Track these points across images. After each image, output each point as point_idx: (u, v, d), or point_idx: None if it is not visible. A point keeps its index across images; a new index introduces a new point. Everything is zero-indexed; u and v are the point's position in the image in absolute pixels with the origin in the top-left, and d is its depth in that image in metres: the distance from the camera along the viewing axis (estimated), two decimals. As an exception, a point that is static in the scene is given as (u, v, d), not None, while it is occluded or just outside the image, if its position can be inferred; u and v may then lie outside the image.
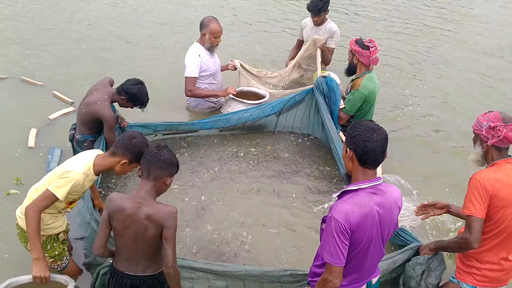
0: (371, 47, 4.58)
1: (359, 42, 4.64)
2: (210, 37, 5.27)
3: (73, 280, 2.96)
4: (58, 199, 2.86)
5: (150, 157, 2.71)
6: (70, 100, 5.67)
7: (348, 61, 4.86)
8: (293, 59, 6.16)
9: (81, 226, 3.72)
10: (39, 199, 2.85)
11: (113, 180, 4.46)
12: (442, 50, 8.36)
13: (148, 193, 2.69)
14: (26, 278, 2.93)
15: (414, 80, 7.18)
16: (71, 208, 3.17)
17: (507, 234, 2.97)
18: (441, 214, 3.50)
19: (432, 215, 3.51)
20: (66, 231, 3.24)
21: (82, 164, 2.97)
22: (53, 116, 5.31)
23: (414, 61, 7.84)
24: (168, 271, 2.68)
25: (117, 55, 7.15)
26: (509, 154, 3.04)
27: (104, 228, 2.74)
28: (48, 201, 2.86)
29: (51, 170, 4.21)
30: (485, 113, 3.07)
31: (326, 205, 4.30)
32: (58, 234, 3.15)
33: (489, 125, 2.93)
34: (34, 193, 2.98)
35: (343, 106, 4.82)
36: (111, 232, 2.76)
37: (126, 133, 3.10)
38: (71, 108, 5.52)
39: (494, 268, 3.04)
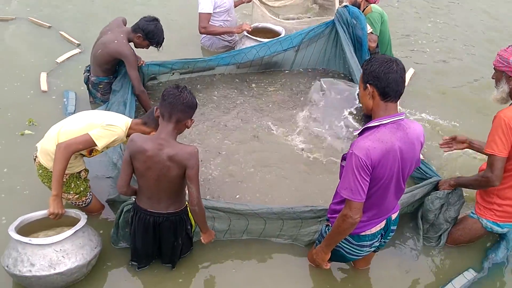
0: None
1: None
2: None
3: (84, 213, 3.10)
4: (96, 147, 2.95)
5: (172, 100, 2.71)
6: (77, 42, 5.63)
7: (349, 3, 4.97)
8: None
9: (107, 166, 3.85)
10: (77, 141, 2.91)
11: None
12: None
13: (169, 134, 2.75)
14: (39, 214, 3.06)
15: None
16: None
17: None
18: (463, 148, 3.54)
19: (455, 149, 3.56)
20: (86, 170, 3.36)
21: (123, 123, 3.07)
22: (60, 59, 5.31)
23: None
24: (193, 208, 2.82)
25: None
26: None
27: (126, 168, 2.84)
28: (85, 145, 2.94)
29: (69, 113, 4.35)
30: (507, 48, 3.02)
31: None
32: (80, 172, 3.27)
33: None
34: (63, 135, 3.03)
35: (371, 30, 4.85)
36: (134, 172, 2.86)
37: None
38: (77, 50, 5.49)
39: None
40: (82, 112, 3.27)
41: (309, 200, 3.70)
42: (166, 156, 2.72)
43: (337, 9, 4.93)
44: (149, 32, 4.18)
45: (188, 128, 2.87)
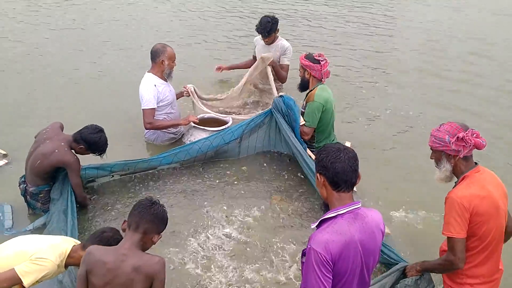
0: (322, 60, 4.96)
1: (309, 57, 5.02)
2: (169, 62, 5.38)
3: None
4: (23, 285, 2.78)
5: (142, 209, 2.75)
6: (3, 152, 5.31)
7: (300, 77, 5.20)
8: (239, 67, 6.69)
9: (51, 285, 3.50)
10: (1, 279, 2.75)
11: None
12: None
13: (134, 245, 2.70)
14: None
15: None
16: None
17: (493, 246, 3.04)
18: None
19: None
20: None
21: (57, 253, 2.93)
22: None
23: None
24: None
25: (54, 91, 6.95)
26: (475, 161, 3.08)
27: (80, 286, 2.69)
28: (10, 283, 2.78)
29: (7, 228, 4.16)
30: (439, 128, 3.09)
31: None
32: None
33: (457, 137, 2.94)
34: None
35: (304, 122, 5.03)
36: None
37: (99, 229, 3.17)
38: (3, 161, 5.18)
39: (486, 281, 3.12)
40: (18, 237, 3.11)
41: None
42: (131, 268, 2.62)
43: (273, 99, 5.18)
44: (93, 144, 4.21)
45: (153, 244, 2.82)
